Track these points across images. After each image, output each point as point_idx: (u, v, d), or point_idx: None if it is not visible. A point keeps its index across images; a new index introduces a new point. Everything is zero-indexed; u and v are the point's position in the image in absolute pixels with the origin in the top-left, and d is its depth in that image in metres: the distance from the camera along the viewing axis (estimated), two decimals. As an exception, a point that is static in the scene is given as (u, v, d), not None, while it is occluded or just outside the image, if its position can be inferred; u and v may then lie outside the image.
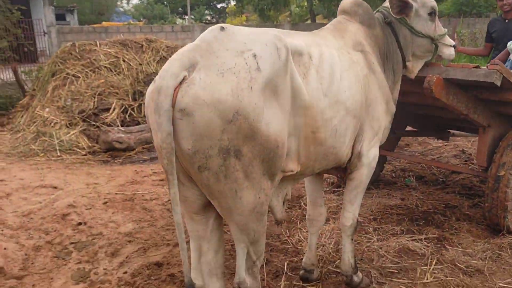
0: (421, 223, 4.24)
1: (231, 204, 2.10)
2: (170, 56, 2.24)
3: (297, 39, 2.44)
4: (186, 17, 42.36)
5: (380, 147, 4.85)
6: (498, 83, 3.24)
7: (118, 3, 48.16)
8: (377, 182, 5.43)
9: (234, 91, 1.92)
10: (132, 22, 35.33)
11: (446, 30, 3.22)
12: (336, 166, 2.83)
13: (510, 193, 3.76)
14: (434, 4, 3.03)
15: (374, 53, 2.93)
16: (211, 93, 1.88)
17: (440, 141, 6.69)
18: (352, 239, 3.10)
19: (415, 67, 3.27)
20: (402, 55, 3.14)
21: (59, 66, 8.85)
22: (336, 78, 2.50)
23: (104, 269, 3.53)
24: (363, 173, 2.91)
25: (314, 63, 2.42)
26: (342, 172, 2.99)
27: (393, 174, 5.75)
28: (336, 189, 5.21)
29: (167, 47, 9.35)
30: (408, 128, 5.44)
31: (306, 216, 3.31)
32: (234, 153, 1.97)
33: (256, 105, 1.99)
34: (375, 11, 3.16)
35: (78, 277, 3.42)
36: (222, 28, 2.11)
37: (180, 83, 1.90)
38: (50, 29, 15.77)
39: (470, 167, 5.10)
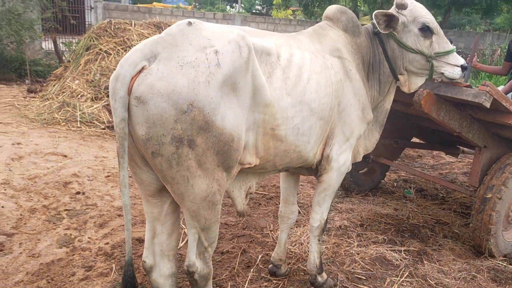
0: (406, 235, 4.24)
1: (183, 191, 2.21)
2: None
3: (268, 39, 2.52)
4: (236, 5, 42.59)
5: (380, 155, 4.94)
6: (487, 105, 3.21)
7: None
8: (376, 189, 5.43)
9: (190, 83, 2.03)
10: (182, 6, 35.83)
11: (453, 47, 3.16)
12: (304, 166, 2.90)
13: (495, 216, 3.72)
14: (427, 20, 2.98)
15: (355, 61, 2.97)
16: (166, 83, 2.00)
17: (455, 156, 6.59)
18: (319, 240, 3.17)
19: (411, 82, 3.23)
20: (390, 67, 3.16)
21: (93, 41, 9.18)
22: (303, 80, 2.57)
23: (89, 237, 3.74)
24: (332, 177, 2.97)
25: (282, 63, 2.50)
26: (314, 174, 3.06)
27: (395, 184, 5.74)
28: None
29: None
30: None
31: (278, 213, 3.40)
32: (188, 143, 2.08)
33: (212, 99, 2.09)
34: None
35: (62, 241, 3.63)
36: (190, 23, 2.21)
37: (140, 72, 2.03)
38: (96, 4, 16.25)
39: (464, 186, 5.02)
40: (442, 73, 3.12)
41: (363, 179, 5.33)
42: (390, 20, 2.99)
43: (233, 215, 4.41)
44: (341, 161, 2.95)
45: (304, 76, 2.58)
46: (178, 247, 3.06)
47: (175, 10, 19.35)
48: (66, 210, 4.17)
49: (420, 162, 6.78)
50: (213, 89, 2.09)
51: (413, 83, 3.24)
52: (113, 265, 3.34)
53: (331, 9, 3.09)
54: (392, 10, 3.09)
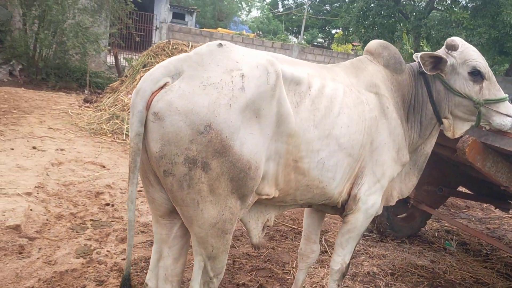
0: (440, 292, 3.92)
1: (192, 214, 2.12)
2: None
3: (299, 68, 2.41)
4: (299, 36, 43.05)
5: (422, 201, 4.65)
6: None
7: (239, 13, 50.25)
8: (414, 237, 5.11)
9: (211, 105, 1.95)
10: (244, 33, 36.67)
11: (506, 96, 2.92)
12: (329, 203, 2.73)
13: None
14: (478, 64, 2.78)
15: (393, 98, 2.81)
16: (186, 102, 1.93)
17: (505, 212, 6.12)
18: (338, 285, 2.96)
19: (456, 127, 3.00)
20: (434, 110, 2.96)
21: (150, 59, 9.46)
22: (333, 113, 2.44)
23: (107, 251, 3.70)
24: (359, 219, 2.78)
25: (312, 93, 2.38)
26: (339, 213, 2.87)
27: (436, 234, 5.37)
28: (367, 234, 4.98)
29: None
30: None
31: (298, 250, 3.22)
32: (202, 165, 1.99)
33: (232, 122, 2.00)
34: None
35: (81, 252, 3.62)
36: (220, 45, 2.15)
37: (161, 88, 1.98)
38: (162, 25, 16.89)
39: (511, 246, 4.61)
40: (490, 122, 2.88)
41: (401, 225, 5.03)
42: (438, 62, 2.82)
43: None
44: (370, 203, 2.76)
45: (335, 109, 2.45)
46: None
47: (236, 37, 19.71)
48: (92, 220, 4.18)
49: (467, 214, 6.34)
50: (234, 113, 2.00)
51: (458, 128, 3.01)
52: (124, 283, 3.26)
53: (373, 43, 2.96)
54: (442, 50, 2.91)
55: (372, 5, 18.60)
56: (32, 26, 11.03)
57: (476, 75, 2.80)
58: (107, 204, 4.56)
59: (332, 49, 26.57)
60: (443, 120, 3.01)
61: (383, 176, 2.76)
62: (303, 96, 2.34)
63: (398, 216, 5.05)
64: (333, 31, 47.90)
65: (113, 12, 11.89)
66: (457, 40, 2.87)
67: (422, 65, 2.78)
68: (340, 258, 2.90)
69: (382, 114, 2.72)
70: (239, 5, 47.80)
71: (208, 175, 2.02)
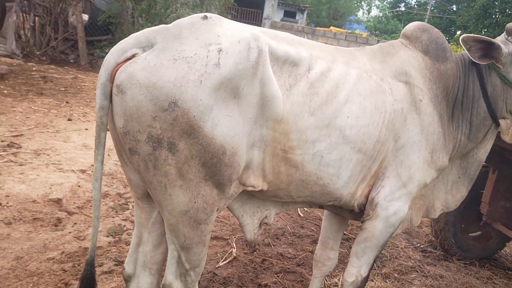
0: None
1: (161, 199, 1.96)
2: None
3: (302, 49, 2.13)
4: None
5: (498, 219, 3.99)
6: None
7: (356, 12, 49.11)
8: (487, 259, 4.43)
9: (178, 80, 1.76)
10: (358, 32, 35.66)
11: None
12: (340, 205, 2.42)
13: None
14: None
15: (431, 91, 2.38)
16: (148, 75, 1.76)
17: None
18: (352, 302, 2.60)
19: None
20: (488, 107, 2.47)
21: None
22: (338, 100, 2.12)
23: (139, 233, 3.70)
24: (377, 227, 2.41)
25: (311, 76, 2.09)
26: (359, 218, 2.52)
27: (515, 259, 4.62)
28: (430, 250, 4.43)
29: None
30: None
31: (314, 256, 2.90)
32: (168, 146, 1.82)
33: (202, 101, 1.80)
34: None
35: (112, 231, 3.67)
36: (205, 17, 1.96)
37: (129, 60, 1.85)
38: (265, 21, 17.00)
39: None
40: None
41: (472, 244, 4.38)
42: (488, 49, 2.34)
43: (296, 247, 3.97)
44: (391, 210, 2.38)
45: (340, 96, 2.14)
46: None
47: (349, 36, 19.15)
48: (135, 202, 4.23)
49: None
50: (204, 91, 1.79)
51: None
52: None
53: (411, 25, 2.55)
54: (501, 37, 2.43)
55: (496, 2, 16.88)
56: (138, 19, 11.71)
57: None
58: (156, 189, 4.59)
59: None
60: (500, 121, 2.51)
61: (410, 180, 2.36)
62: (298, 79, 2.06)
63: (470, 234, 4.41)
64: (458, 32, 44.72)
65: (215, 7, 12.20)
66: None
67: (467, 51, 2.33)
68: (355, 270, 2.54)
69: (412, 107, 2.33)
70: (358, 4, 46.69)
71: (175, 157, 1.84)
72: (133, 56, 1.84)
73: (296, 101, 2.03)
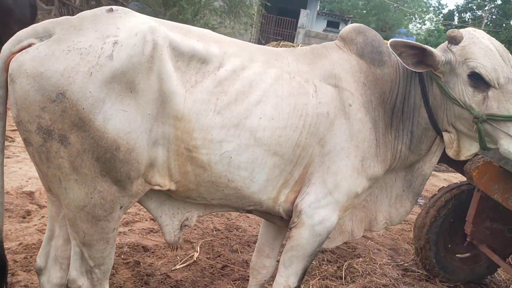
0: None
1: (57, 192, 1.95)
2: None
3: (214, 45, 2.07)
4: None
5: (484, 241, 3.72)
6: None
7: (406, 23, 48.11)
8: (475, 284, 4.15)
9: (67, 71, 1.75)
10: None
11: None
12: (265, 211, 2.34)
13: None
14: (479, 65, 2.06)
15: (364, 96, 2.26)
16: (36, 65, 1.76)
17: None
18: (279, 313, 2.48)
19: (462, 145, 2.30)
20: (429, 118, 2.32)
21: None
22: (250, 100, 2.05)
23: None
24: (303, 235, 2.29)
25: (220, 74, 2.02)
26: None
27: (506, 285, 4.29)
28: (412, 269, 4.20)
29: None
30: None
31: (250, 263, 2.80)
32: (59, 138, 1.81)
33: (92, 93, 1.78)
34: None
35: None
36: (111, 10, 1.94)
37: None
38: (299, 30, 16.93)
39: None
40: (498, 146, 2.15)
41: (458, 266, 4.10)
42: (423, 55, 2.18)
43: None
44: (316, 218, 2.26)
45: (253, 96, 2.06)
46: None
47: None
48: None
49: None
50: (94, 83, 1.77)
51: (464, 147, 2.31)
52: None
53: (347, 27, 2.43)
54: (444, 44, 2.27)
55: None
56: (168, 24, 11.95)
57: (476, 79, 2.10)
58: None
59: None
60: (443, 134, 2.34)
61: (336, 188, 2.24)
62: (205, 76, 2.00)
63: (457, 255, 4.15)
64: (515, 49, 42.85)
65: (244, 13, 12.27)
66: (462, 31, 2.19)
67: (398, 57, 2.19)
68: (283, 280, 2.42)
69: (341, 112, 2.22)
70: (409, 16, 45.74)
71: (67, 150, 1.82)
72: (29, 46, 1.85)
73: (200, 98, 1.97)
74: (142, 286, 3.11)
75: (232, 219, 4.50)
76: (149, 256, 3.50)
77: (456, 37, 2.16)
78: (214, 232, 4.10)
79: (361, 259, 4.11)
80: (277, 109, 2.09)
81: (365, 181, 2.30)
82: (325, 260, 3.95)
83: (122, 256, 3.41)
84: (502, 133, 2.12)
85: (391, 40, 2.14)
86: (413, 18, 47.69)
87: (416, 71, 2.23)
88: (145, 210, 4.22)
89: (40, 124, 1.78)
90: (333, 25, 30.11)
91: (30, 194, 3.94)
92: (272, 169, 2.15)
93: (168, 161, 2.02)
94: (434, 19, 50.31)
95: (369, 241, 4.59)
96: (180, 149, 2.00)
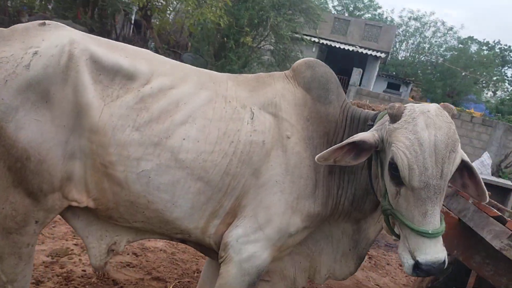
0: None
1: None
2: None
3: (143, 63, 2.04)
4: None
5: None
6: None
7: (476, 90, 46.68)
8: None
9: None
10: (472, 111, 33.35)
11: (424, 230, 1.79)
12: (190, 239, 2.21)
13: None
14: (398, 155, 1.80)
15: (305, 130, 2.13)
16: None
17: None
18: None
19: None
20: (370, 183, 2.13)
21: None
22: (174, 120, 1.99)
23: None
24: (230, 273, 2.11)
25: (144, 91, 1.99)
26: None
27: None
28: None
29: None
30: None
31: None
32: None
33: (4, 101, 1.80)
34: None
35: (55, 253, 3.67)
36: (44, 24, 1.99)
37: None
38: (350, 88, 16.86)
39: None
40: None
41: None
42: (355, 147, 1.96)
43: None
44: (244, 254, 2.09)
45: (178, 116, 2.00)
46: None
47: (462, 114, 17.50)
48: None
49: None
50: (8, 91, 1.80)
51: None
52: None
53: (299, 60, 2.36)
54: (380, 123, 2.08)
55: None
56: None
57: (394, 170, 1.85)
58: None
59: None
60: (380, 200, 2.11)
61: (268, 224, 2.08)
62: (128, 92, 1.97)
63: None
64: None
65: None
66: (406, 108, 1.89)
67: (337, 164, 1.98)
68: None
69: (278, 143, 2.10)
70: (482, 86, 44.44)
71: None
72: None
73: (118, 113, 1.93)
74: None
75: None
76: (115, 290, 3.39)
77: (393, 115, 1.89)
78: (195, 274, 3.92)
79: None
80: (203, 132, 2.00)
81: (299, 221, 2.12)
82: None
83: (87, 287, 3.32)
84: (402, 235, 1.89)
85: (318, 157, 1.94)
86: (486, 86, 46.23)
87: (359, 162, 2.01)
88: (131, 244, 4.17)
89: None
90: (393, 87, 29.78)
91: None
92: (197, 196, 2.03)
93: (85, 176, 1.97)
94: (510, 89, 48.51)
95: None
96: (96, 164, 1.95)
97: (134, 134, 1.94)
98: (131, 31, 15.71)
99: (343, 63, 23.40)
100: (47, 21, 2.02)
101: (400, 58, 43.77)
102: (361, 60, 24.17)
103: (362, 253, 2.39)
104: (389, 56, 28.71)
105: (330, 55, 24.51)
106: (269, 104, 2.15)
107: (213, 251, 2.27)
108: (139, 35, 15.01)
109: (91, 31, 13.00)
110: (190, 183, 2.00)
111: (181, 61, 13.09)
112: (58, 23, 2.04)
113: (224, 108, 2.08)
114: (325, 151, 1.93)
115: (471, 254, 2.09)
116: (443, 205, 2.24)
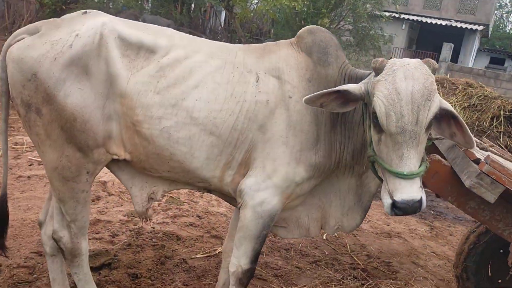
0: None
1: (40, 155, 2.49)
2: (481, 106, 2.48)
3: (164, 38, 2.42)
4: None
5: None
6: (490, 199, 1.87)
7: None
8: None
9: (39, 57, 2.29)
10: None
11: (401, 171, 1.98)
12: (215, 190, 2.59)
13: None
14: (378, 104, 2.00)
15: (307, 91, 2.38)
16: (19, 52, 2.33)
17: None
18: (236, 292, 2.62)
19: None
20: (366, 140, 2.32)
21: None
22: (187, 84, 2.35)
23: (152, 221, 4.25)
24: (246, 216, 2.46)
25: (163, 61, 2.36)
26: None
27: None
28: None
29: (485, 96, 8.17)
30: None
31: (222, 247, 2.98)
32: (35, 110, 2.34)
33: (55, 74, 2.28)
34: None
35: (131, 213, 4.28)
36: (86, 12, 2.46)
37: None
38: (440, 64, 16.10)
39: None
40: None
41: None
42: (342, 96, 2.19)
43: (288, 262, 3.94)
44: (257, 199, 2.41)
45: (190, 81, 2.37)
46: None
47: None
48: (171, 197, 4.81)
49: None
50: (57, 66, 2.28)
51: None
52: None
53: (303, 28, 2.60)
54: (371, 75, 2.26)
55: None
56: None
57: (375, 118, 2.06)
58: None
59: None
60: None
61: (274, 173, 2.40)
62: (149, 62, 2.37)
63: (501, 274, 3.63)
64: None
65: (373, 47, 12.27)
66: (388, 63, 2.09)
67: (323, 109, 2.23)
68: (236, 260, 2.57)
69: (282, 102, 2.40)
70: None
71: (42, 119, 2.34)
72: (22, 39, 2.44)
73: (141, 80, 2.33)
74: (157, 265, 3.50)
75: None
76: (178, 244, 3.89)
77: (376, 69, 2.10)
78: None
79: (392, 281, 3.90)
80: (213, 94, 2.34)
81: (303, 171, 2.39)
82: (351, 276, 3.86)
83: (154, 240, 3.87)
84: (384, 180, 2.10)
85: (305, 99, 2.17)
86: None
87: (346, 110, 2.25)
88: (196, 208, 4.68)
89: (22, 98, 2.32)
90: (497, 61, 27.68)
91: (104, 183, 4.69)
92: (211, 148, 2.38)
93: (121, 133, 2.41)
94: None
95: (419, 268, 4.29)
96: (127, 123, 2.38)
97: (155, 97, 2.34)
98: (219, 23, 16.54)
99: (437, 39, 22.29)
100: (88, 10, 2.49)
101: (508, 31, 40.32)
102: (457, 35, 22.80)
103: (366, 206, 2.60)
104: (491, 29, 26.65)
105: (423, 32, 23.45)
106: (273, 69, 2.43)
107: (234, 199, 2.62)
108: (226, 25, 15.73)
109: (181, 25, 13.92)
110: (203, 137, 2.37)
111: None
112: (99, 11, 2.52)
113: (232, 73, 2.40)
114: (312, 94, 2.18)
115: (465, 200, 2.20)
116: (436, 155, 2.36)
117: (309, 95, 2.18)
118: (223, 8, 13.78)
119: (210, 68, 2.39)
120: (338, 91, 2.16)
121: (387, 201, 2.04)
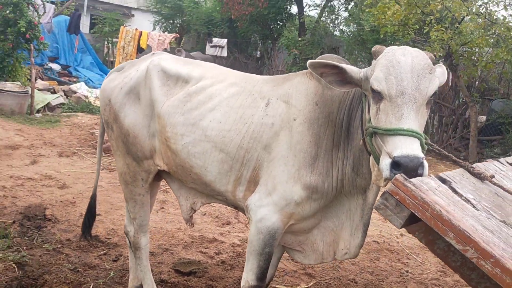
0: None
1: (115, 161, 3.25)
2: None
3: (197, 70, 2.90)
4: None
5: None
6: (396, 224, 1.62)
7: None
8: None
9: (112, 87, 3.08)
10: None
11: (399, 128, 1.91)
12: (228, 202, 2.82)
13: None
14: (376, 75, 2.02)
15: (311, 112, 2.48)
16: (105, 84, 3.18)
17: None
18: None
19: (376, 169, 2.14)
20: (363, 139, 2.28)
21: None
22: (206, 107, 2.70)
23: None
24: (251, 231, 2.58)
25: (191, 89, 2.80)
26: None
27: None
28: None
29: None
30: None
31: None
32: (110, 126, 3.13)
33: (119, 99, 3.02)
34: None
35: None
36: (153, 54, 3.17)
37: None
38: None
39: None
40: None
41: None
42: (342, 74, 2.25)
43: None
44: (259, 215, 2.53)
45: (209, 104, 2.72)
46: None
47: None
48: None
49: None
50: (121, 94, 3.02)
51: (377, 171, 2.17)
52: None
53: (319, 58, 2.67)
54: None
55: None
56: None
57: (374, 91, 2.08)
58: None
59: None
60: (371, 157, 2.26)
61: (274, 191, 2.52)
62: (182, 89, 2.86)
63: None
64: None
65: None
66: (387, 48, 2.15)
67: (319, 77, 2.31)
68: (245, 275, 2.63)
69: (286, 124, 2.54)
70: None
71: (113, 134, 3.12)
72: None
73: (172, 104, 2.82)
74: (236, 284, 3.77)
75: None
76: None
77: (375, 52, 2.15)
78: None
79: None
80: (225, 116, 2.65)
81: (300, 189, 2.43)
82: None
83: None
84: (382, 148, 1.97)
85: (309, 61, 2.25)
86: None
87: (342, 90, 2.30)
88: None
89: (104, 117, 3.16)
90: None
91: (237, 212, 5.26)
92: (221, 164, 2.64)
93: (160, 147, 2.95)
94: None
95: None
96: (162, 139, 2.89)
97: (180, 118, 2.77)
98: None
99: None
100: (159, 52, 3.20)
101: None
102: None
103: (367, 221, 2.42)
104: None
105: None
106: (284, 94, 2.58)
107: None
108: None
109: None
110: (215, 153, 2.65)
111: (490, 108, 12.17)
112: (163, 52, 3.21)
113: (246, 99, 2.65)
114: (315, 60, 2.26)
115: (433, 238, 1.81)
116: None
117: (314, 61, 2.24)
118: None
119: (227, 94, 2.71)
120: (337, 66, 2.21)
121: (385, 162, 1.91)
